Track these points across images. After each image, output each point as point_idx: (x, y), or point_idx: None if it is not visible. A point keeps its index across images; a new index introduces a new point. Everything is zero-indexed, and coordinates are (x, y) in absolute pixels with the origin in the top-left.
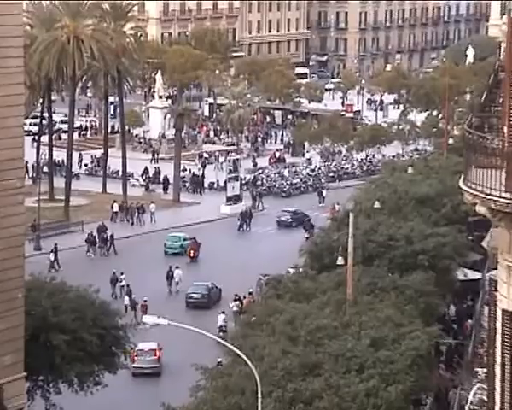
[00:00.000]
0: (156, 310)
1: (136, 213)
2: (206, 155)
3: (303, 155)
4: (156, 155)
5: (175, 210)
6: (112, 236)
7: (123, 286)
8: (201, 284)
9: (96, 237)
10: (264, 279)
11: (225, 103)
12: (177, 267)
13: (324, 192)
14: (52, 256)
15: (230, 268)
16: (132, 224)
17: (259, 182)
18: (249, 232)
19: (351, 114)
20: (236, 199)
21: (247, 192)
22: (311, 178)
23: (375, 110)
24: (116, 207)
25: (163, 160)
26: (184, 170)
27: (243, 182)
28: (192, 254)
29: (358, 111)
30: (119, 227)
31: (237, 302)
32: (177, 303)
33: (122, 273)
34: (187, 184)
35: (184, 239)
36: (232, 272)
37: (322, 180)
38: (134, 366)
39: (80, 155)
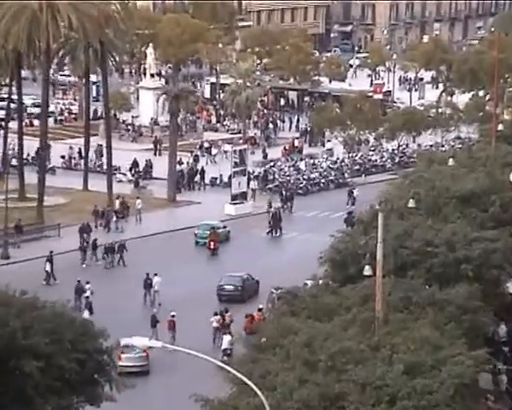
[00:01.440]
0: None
1: (115, 218)
2: (207, 145)
3: (323, 145)
4: (159, 146)
5: (170, 211)
6: (123, 245)
7: (87, 297)
8: (235, 274)
9: (87, 243)
10: (276, 293)
11: (230, 83)
12: (155, 275)
13: (356, 192)
14: (48, 267)
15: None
16: (109, 230)
17: (271, 177)
18: (281, 238)
19: (380, 96)
20: (243, 197)
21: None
22: (333, 173)
23: (409, 90)
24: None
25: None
26: (181, 163)
27: (251, 177)
28: (212, 246)
29: (389, 91)
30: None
31: (217, 317)
32: (209, 298)
33: (88, 282)
34: (185, 180)
35: (217, 227)
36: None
37: (346, 175)
38: (120, 364)
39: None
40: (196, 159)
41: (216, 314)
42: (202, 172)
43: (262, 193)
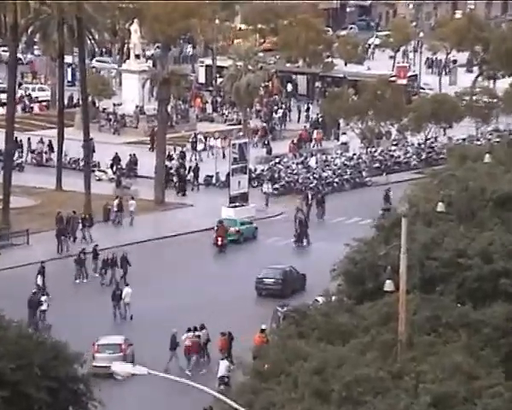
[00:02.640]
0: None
1: (81, 226)
2: (201, 138)
3: (337, 138)
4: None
5: (157, 216)
6: (125, 258)
7: (44, 311)
8: (276, 266)
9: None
10: (281, 311)
11: (228, 66)
12: (126, 285)
13: (392, 193)
14: (40, 280)
15: None
16: (75, 240)
17: (276, 175)
18: (310, 248)
19: (404, 81)
20: (244, 199)
21: (255, 190)
22: (349, 171)
23: (439, 74)
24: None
25: (142, 144)
26: (171, 158)
27: (253, 175)
28: (220, 242)
29: (415, 76)
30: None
31: (190, 334)
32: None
33: (45, 293)
34: (174, 179)
35: (242, 223)
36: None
37: (364, 173)
38: (94, 364)
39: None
40: (183, 155)
41: (189, 330)
42: (196, 169)
43: (264, 194)
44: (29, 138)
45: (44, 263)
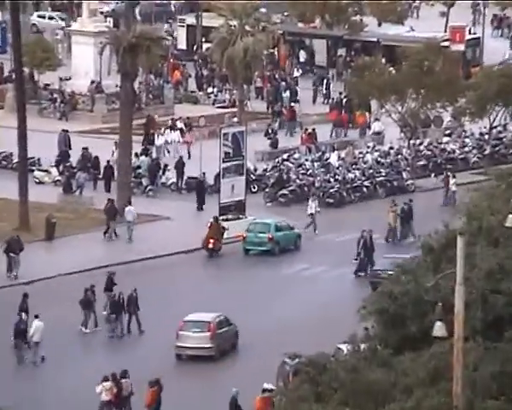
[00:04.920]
0: None
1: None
2: (181, 125)
3: (368, 127)
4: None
5: (119, 232)
6: (135, 298)
7: (37, 343)
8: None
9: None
10: (292, 364)
11: (218, 26)
12: (36, 317)
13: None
14: (24, 316)
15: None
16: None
17: (285, 176)
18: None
19: (461, 47)
20: (240, 209)
21: (255, 196)
22: (383, 171)
23: (511, 38)
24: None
25: (99, 133)
26: (141, 153)
27: (252, 177)
28: (212, 245)
29: (477, 39)
30: None
31: (107, 384)
32: None
33: (37, 316)
34: (144, 181)
35: (278, 228)
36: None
37: (405, 174)
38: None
39: None
40: (146, 151)
41: (106, 380)
42: (181, 166)
43: (267, 203)
44: None
45: None
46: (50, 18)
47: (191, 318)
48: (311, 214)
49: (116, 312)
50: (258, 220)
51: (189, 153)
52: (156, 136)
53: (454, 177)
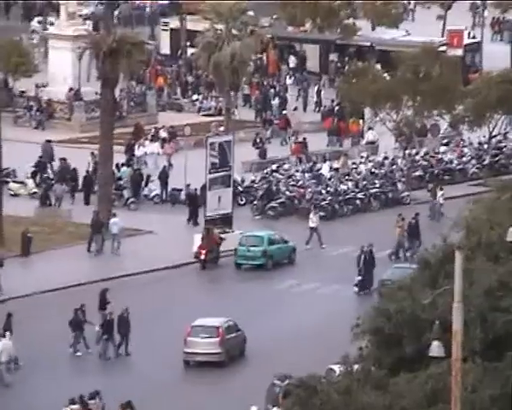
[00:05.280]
0: None
1: None
2: (164, 134)
3: (361, 135)
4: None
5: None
6: (126, 318)
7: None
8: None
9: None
10: (281, 385)
11: (204, 30)
12: (2, 336)
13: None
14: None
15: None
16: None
17: (274, 188)
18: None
19: (459, 51)
20: (227, 223)
21: (243, 209)
22: (378, 182)
23: (510, 43)
24: None
25: (78, 143)
26: (123, 164)
27: (240, 189)
28: (204, 256)
29: (476, 44)
30: None
31: (75, 407)
32: None
33: (4, 334)
34: (125, 193)
35: (271, 241)
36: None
37: (400, 186)
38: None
39: None
40: (128, 162)
41: (73, 403)
42: (165, 177)
43: (256, 216)
44: None
45: None
46: (52, 24)
47: (199, 323)
48: (312, 228)
49: (108, 332)
50: (250, 233)
51: (170, 164)
52: (137, 146)
53: (441, 189)
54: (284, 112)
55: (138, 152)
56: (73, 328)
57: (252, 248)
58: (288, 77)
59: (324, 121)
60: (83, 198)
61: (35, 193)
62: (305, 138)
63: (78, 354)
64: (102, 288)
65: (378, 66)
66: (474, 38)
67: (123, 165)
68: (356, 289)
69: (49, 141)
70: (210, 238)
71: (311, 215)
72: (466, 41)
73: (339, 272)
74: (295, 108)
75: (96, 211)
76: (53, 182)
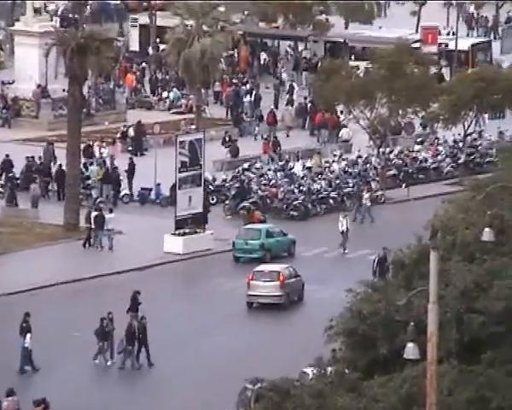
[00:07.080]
0: None
1: None
2: (132, 134)
3: (336, 134)
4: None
5: (67, 247)
6: (143, 326)
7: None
8: None
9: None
10: (253, 389)
11: (174, 26)
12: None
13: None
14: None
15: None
16: None
17: (246, 187)
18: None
19: (433, 48)
20: (198, 223)
21: (215, 209)
22: (351, 181)
23: (486, 36)
24: None
25: (45, 140)
26: (91, 163)
27: (211, 188)
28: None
29: (487, 42)
30: None
31: (14, 399)
32: None
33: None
34: (94, 193)
35: (269, 234)
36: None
37: (373, 185)
38: (249, 293)
39: None
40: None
41: (10, 394)
42: (130, 172)
43: (227, 216)
44: None
45: None
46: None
47: (261, 268)
48: (343, 232)
49: (132, 342)
50: (249, 226)
51: (114, 166)
52: (98, 149)
53: (369, 190)
54: (273, 108)
55: (102, 152)
56: (100, 338)
57: (250, 242)
58: (283, 73)
59: (314, 117)
60: (56, 195)
61: (0, 193)
62: (276, 137)
63: (109, 363)
64: (135, 290)
65: (352, 63)
66: (448, 34)
67: (91, 164)
68: None
69: (51, 143)
70: (252, 217)
71: (341, 218)
72: (475, 40)
73: (317, 273)
74: (287, 104)
75: (98, 207)
76: (19, 181)
